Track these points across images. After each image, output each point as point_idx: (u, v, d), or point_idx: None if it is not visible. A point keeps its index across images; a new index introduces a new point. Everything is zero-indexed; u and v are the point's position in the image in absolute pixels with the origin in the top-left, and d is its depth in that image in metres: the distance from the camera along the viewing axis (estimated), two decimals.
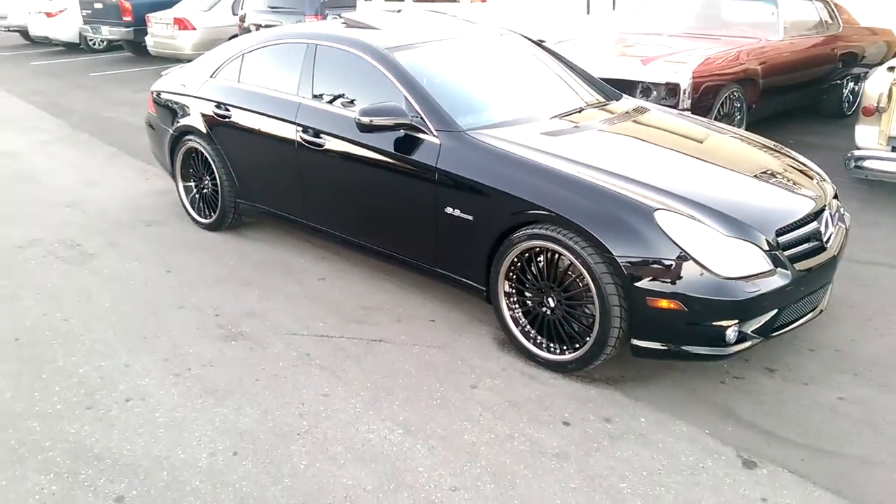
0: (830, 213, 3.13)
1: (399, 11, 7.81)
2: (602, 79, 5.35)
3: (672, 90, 5.36)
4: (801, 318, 3.05)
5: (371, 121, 3.34)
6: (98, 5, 12.98)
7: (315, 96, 3.90)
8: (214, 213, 4.66)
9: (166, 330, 3.45)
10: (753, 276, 2.73)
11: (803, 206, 3.03)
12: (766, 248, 2.79)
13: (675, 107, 5.31)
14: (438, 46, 3.94)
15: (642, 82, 5.54)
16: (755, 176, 3.23)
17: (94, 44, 14.25)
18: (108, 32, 13.02)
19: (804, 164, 3.56)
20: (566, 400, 2.91)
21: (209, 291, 3.87)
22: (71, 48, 14.58)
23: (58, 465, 2.50)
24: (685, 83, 5.30)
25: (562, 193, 2.92)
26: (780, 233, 2.86)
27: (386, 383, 3.02)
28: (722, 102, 5.79)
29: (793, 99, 6.88)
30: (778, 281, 2.77)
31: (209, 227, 4.73)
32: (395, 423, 2.75)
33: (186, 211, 4.89)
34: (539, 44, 4.48)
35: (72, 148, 7.08)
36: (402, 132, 3.41)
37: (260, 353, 3.24)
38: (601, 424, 2.76)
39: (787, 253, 2.85)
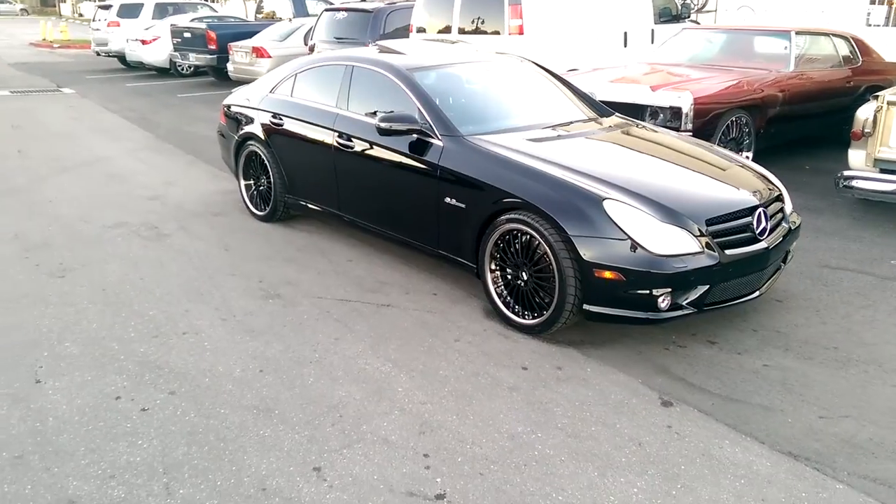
0: (766, 212, 3.68)
1: (455, 43, 8.65)
2: (617, 102, 6.05)
3: (676, 113, 5.95)
4: (737, 298, 3.61)
5: (389, 126, 4.11)
6: (187, 34, 14.44)
7: (350, 108, 4.70)
8: (268, 206, 5.52)
9: (220, 289, 4.27)
10: (682, 255, 3.33)
11: (737, 202, 3.60)
12: (697, 233, 3.38)
13: (678, 129, 5.89)
14: (453, 69, 4.70)
15: (651, 106, 6.16)
16: (701, 176, 3.82)
17: (183, 69, 15.73)
18: (194, 59, 14.42)
19: (758, 172, 4.11)
20: (530, 353, 3.55)
21: (257, 265, 4.69)
22: (162, 73, 16.14)
23: (129, 370, 3.32)
24: (686, 107, 5.88)
25: (531, 185, 3.60)
26: (710, 222, 3.45)
27: (386, 334, 3.73)
28: (728, 126, 6.33)
29: (808, 127, 7.32)
30: (705, 261, 3.36)
31: (263, 219, 5.59)
32: (387, 359, 3.46)
33: (245, 205, 5.77)
34: (546, 69, 5.17)
35: (156, 155, 8.17)
36: (414, 136, 4.16)
37: (290, 309, 4.02)
38: (553, 371, 3.39)
39: (717, 240, 3.44)
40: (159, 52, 15.58)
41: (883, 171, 5.47)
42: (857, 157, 5.60)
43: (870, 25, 11.31)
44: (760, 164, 4.47)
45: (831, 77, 7.32)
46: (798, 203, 6.04)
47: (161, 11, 17.45)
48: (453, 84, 4.62)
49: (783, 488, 2.58)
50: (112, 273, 4.52)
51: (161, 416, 2.95)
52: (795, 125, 7.11)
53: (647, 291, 3.33)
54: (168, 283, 4.36)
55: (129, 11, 17.34)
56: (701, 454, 2.76)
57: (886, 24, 11.20)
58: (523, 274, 3.72)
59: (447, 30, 9.28)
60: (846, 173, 5.57)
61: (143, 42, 15.72)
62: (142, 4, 17.73)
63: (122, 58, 17.11)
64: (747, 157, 6.61)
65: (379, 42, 5.23)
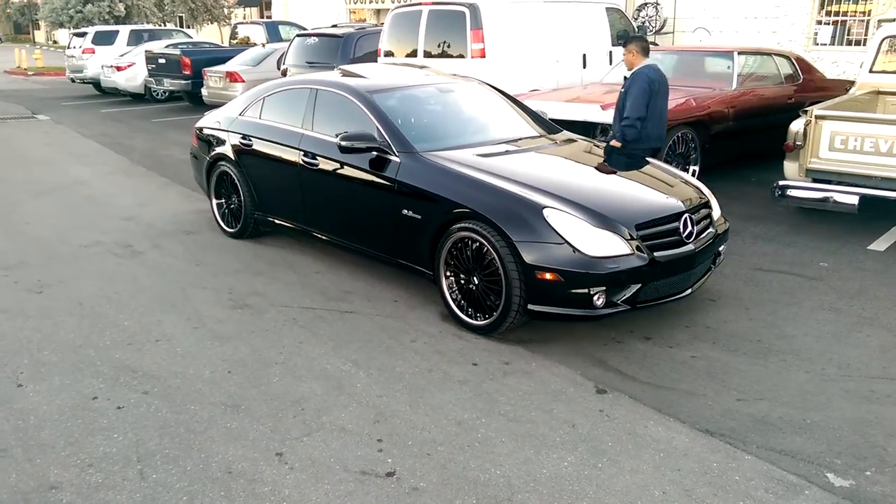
0: (692, 217, 4.02)
1: (424, 68, 9.01)
2: (572, 121, 6.42)
3: None
4: (668, 296, 3.95)
5: (350, 144, 4.42)
6: (162, 60, 14.69)
7: (314, 128, 5.01)
8: (238, 223, 5.79)
9: (191, 301, 4.53)
10: (613, 256, 3.66)
11: (664, 209, 3.95)
12: (627, 237, 3.72)
13: None
14: (411, 90, 5.04)
15: (601, 123, 6.54)
16: (634, 186, 4.18)
17: (157, 94, 15.95)
18: (169, 84, 14.66)
19: (688, 182, 4.47)
20: (480, 351, 3.85)
21: (227, 278, 4.95)
22: (136, 98, 16.34)
23: (105, 374, 3.56)
24: None
25: (479, 196, 3.92)
26: (640, 227, 3.79)
27: (348, 337, 4.01)
28: (675, 142, 6.73)
29: (752, 142, 7.74)
30: (635, 262, 3.69)
31: (234, 235, 5.86)
32: (347, 360, 3.74)
33: (217, 223, 6.04)
34: (500, 91, 5.53)
35: (130, 178, 8.40)
36: (373, 154, 4.47)
37: (258, 317, 4.28)
38: (501, 365, 3.68)
39: (646, 243, 3.78)
40: (134, 78, 15.81)
41: (815, 180, 5.88)
42: (791, 167, 6.02)
43: (817, 45, 11.91)
44: (709, 178, 4.81)
45: (773, 94, 7.78)
46: (741, 212, 6.46)
47: (136, 38, 17.72)
48: (411, 105, 4.95)
49: (697, 460, 2.89)
50: (88, 288, 4.76)
51: (135, 413, 3.20)
52: (739, 140, 7.54)
53: (584, 290, 3.65)
54: (142, 297, 4.60)
55: (104, 38, 17.58)
56: (627, 433, 3.07)
57: (832, 44, 11.80)
58: (474, 278, 4.02)
59: (413, 53, 9.63)
60: (781, 183, 5.99)
61: (118, 68, 15.96)
62: (117, 31, 18.00)
63: (96, 84, 17.31)
64: (694, 171, 7.02)
65: (342, 66, 5.55)
